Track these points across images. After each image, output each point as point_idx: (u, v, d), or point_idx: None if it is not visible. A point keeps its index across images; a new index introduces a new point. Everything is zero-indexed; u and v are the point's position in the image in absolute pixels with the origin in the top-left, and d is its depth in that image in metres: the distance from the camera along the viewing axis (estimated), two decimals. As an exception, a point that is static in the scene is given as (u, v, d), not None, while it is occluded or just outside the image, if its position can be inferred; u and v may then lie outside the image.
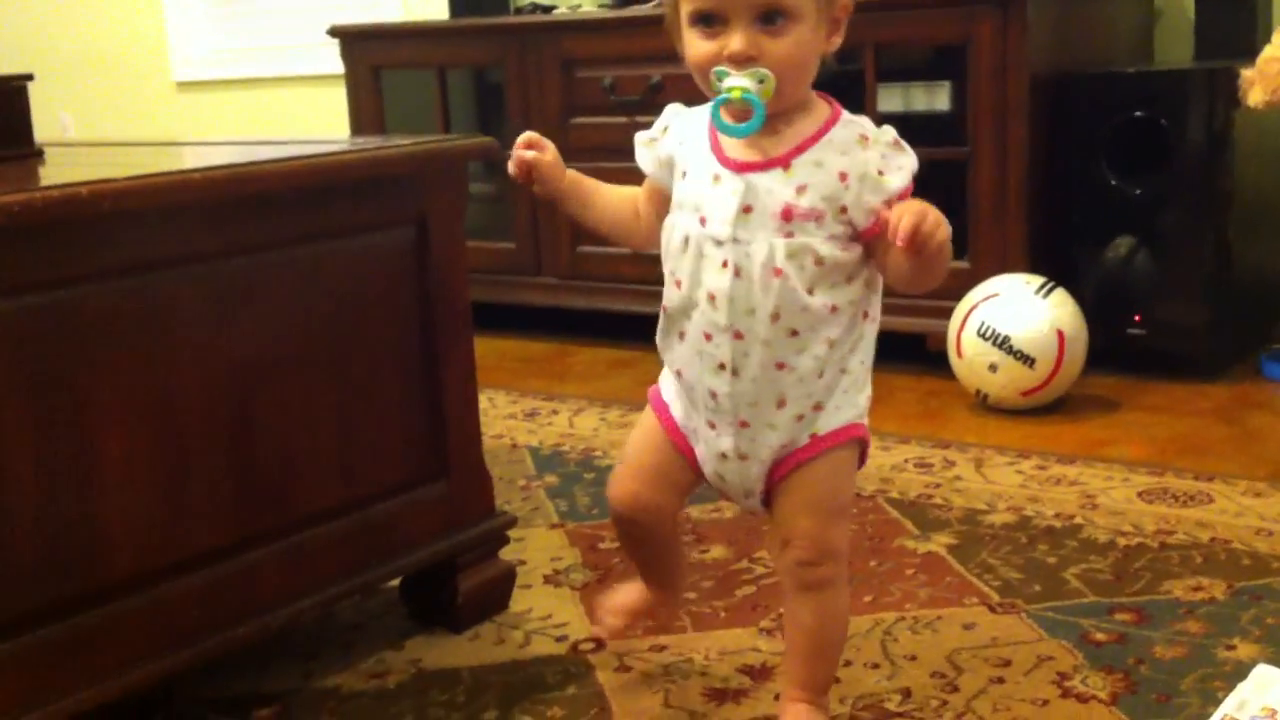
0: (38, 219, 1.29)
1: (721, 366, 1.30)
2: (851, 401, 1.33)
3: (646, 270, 3.15)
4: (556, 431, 2.57)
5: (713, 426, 1.35)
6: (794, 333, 1.28)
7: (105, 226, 1.36)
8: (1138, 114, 2.68)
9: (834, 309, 1.28)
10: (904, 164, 1.28)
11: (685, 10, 1.25)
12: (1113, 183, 2.72)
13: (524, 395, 2.82)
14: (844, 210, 1.26)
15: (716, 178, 1.29)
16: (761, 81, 1.22)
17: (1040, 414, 2.53)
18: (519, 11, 3.58)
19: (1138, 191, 2.70)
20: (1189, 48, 3.02)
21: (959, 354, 2.56)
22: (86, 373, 1.35)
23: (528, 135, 1.41)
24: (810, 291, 1.27)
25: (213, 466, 1.47)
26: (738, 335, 1.28)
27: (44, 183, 1.60)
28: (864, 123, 1.30)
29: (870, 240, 1.28)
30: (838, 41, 1.28)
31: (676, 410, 1.39)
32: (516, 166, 1.40)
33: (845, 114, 1.31)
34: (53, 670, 1.33)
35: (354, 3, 4.16)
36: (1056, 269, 2.68)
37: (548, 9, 3.48)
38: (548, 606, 1.78)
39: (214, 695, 1.58)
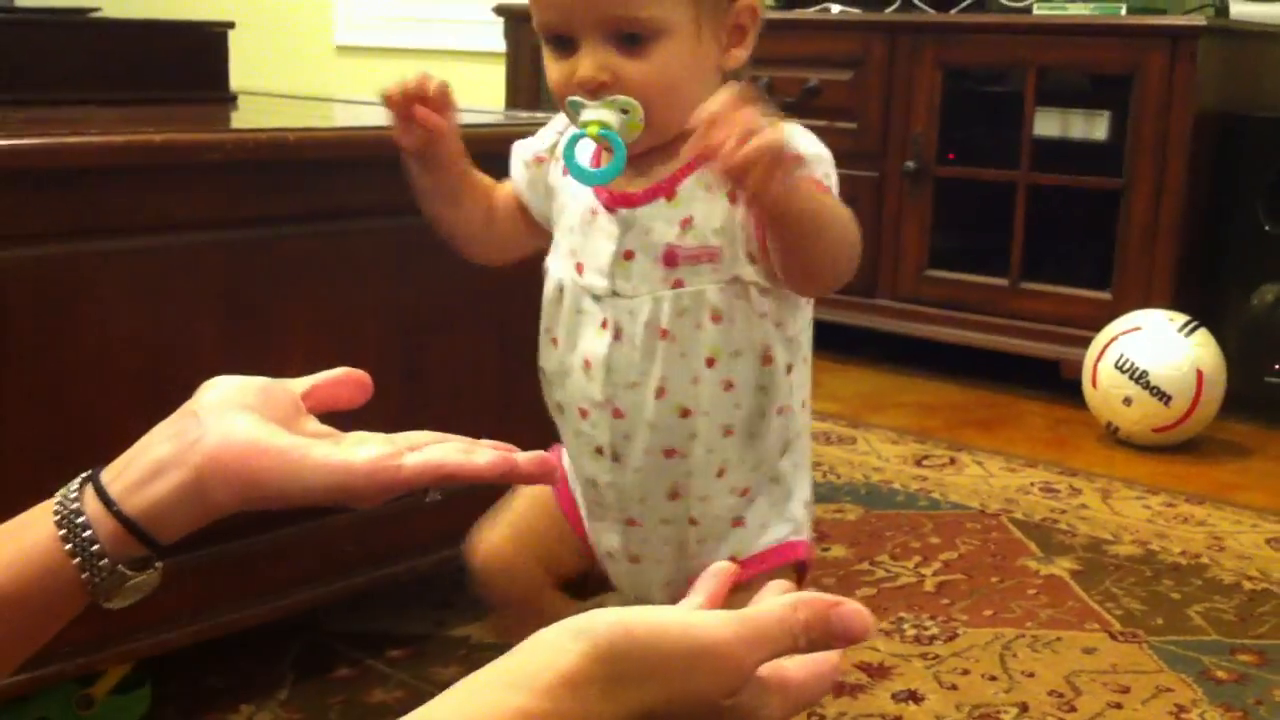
0: (248, 157, 1.36)
1: (599, 451, 1.05)
2: (784, 515, 1.08)
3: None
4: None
5: (597, 519, 1.11)
6: (685, 412, 1.02)
7: (305, 172, 1.43)
8: (1301, 162, 2.65)
9: (729, 386, 1.03)
10: (802, 143, 0.99)
11: (536, 23, 1.01)
12: (1267, 229, 2.69)
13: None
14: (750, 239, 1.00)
15: (593, 213, 1.04)
16: (625, 112, 0.96)
17: (1170, 452, 2.51)
18: (681, 4, 3.63)
19: (1292, 240, 2.67)
20: (1359, 100, 2.97)
21: (1094, 384, 2.56)
22: (276, 306, 1.42)
23: (426, 82, 1.04)
24: (710, 363, 1.01)
25: (382, 409, 1.52)
26: (618, 413, 1.03)
27: (239, 126, 1.69)
28: None
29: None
30: (742, 55, 1.03)
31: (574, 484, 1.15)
32: (412, 129, 1.05)
33: None
34: (220, 585, 1.41)
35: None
36: (1199, 309, 2.66)
37: (710, 4, 3.52)
38: (672, 584, 1.83)
39: (350, 630, 1.65)
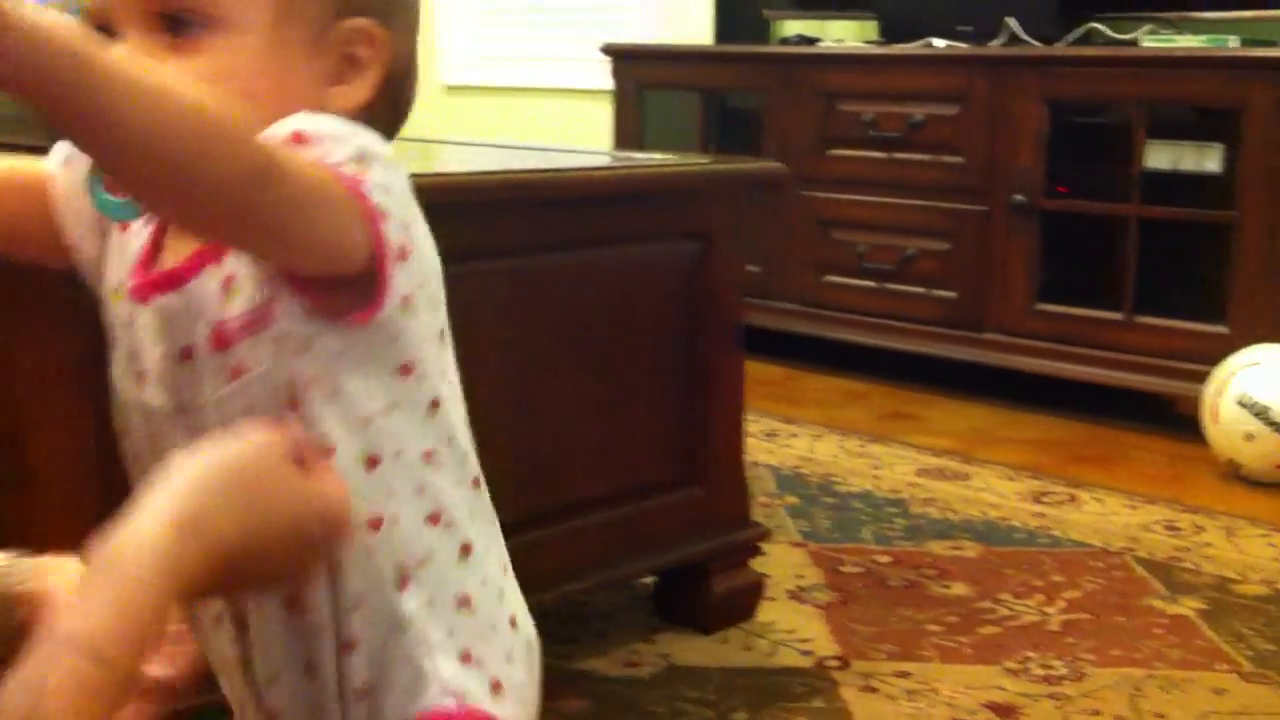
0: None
1: (219, 619, 0.79)
2: (426, 672, 0.76)
3: (894, 304, 3.19)
4: (795, 454, 2.62)
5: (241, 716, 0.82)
6: None
7: (435, 216, 1.46)
8: None
9: None
10: (303, 123, 0.71)
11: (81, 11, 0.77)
12: (1390, 260, 2.63)
13: (761, 416, 2.87)
14: None
15: (132, 302, 0.77)
16: None
17: (1293, 489, 2.46)
18: (784, 42, 3.65)
19: None
20: None
21: (1215, 420, 2.51)
22: (409, 348, 1.45)
23: None
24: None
25: (501, 446, 1.55)
26: None
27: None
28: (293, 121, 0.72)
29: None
30: (354, 96, 0.77)
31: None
32: None
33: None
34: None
35: (616, 21, 4.30)
36: (1320, 343, 2.61)
37: (812, 41, 3.53)
38: (792, 621, 1.83)
39: (476, 664, 1.67)
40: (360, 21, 0.77)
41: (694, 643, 1.75)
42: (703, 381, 1.77)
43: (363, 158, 0.70)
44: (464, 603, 0.78)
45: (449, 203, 1.48)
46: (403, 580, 0.75)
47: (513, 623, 0.82)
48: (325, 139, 0.70)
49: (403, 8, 0.81)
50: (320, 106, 0.75)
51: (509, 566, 0.83)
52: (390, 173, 0.72)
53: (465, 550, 0.78)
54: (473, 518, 0.79)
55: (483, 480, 0.81)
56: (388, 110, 0.80)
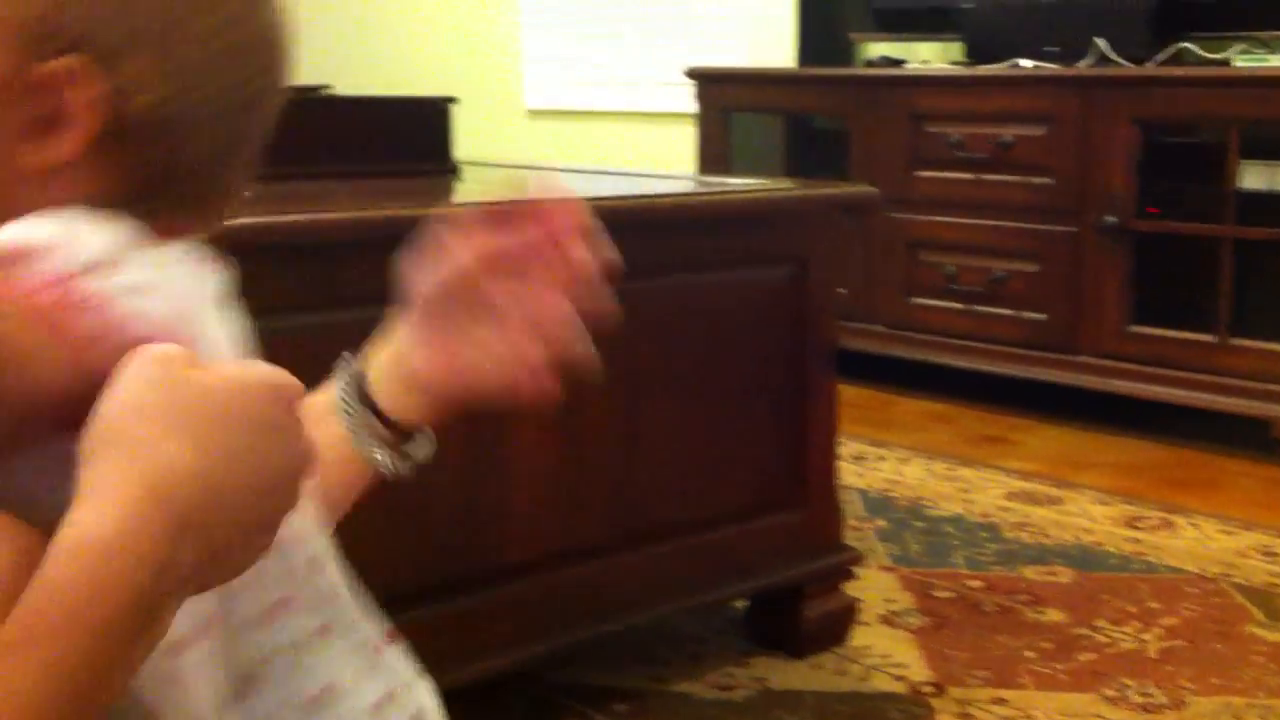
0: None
1: None
2: None
3: (979, 325, 3.17)
4: (883, 477, 2.61)
5: None
6: None
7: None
8: None
9: None
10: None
11: None
12: None
13: (849, 438, 2.86)
14: None
15: None
16: None
17: (1396, 516, 2.41)
18: (869, 64, 3.65)
19: None
20: None
21: (1313, 444, 2.47)
22: (509, 373, 1.48)
23: None
24: None
25: (601, 468, 1.58)
26: None
27: (464, 199, 1.77)
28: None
29: None
30: (56, 151, 0.61)
31: None
32: None
33: None
34: (451, 641, 1.46)
35: (699, 44, 4.32)
36: None
37: (897, 63, 3.53)
38: (885, 646, 1.82)
39: (571, 683, 1.69)
40: (60, 63, 0.60)
41: (787, 667, 1.75)
42: (797, 405, 1.78)
43: (100, 264, 0.58)
44: (321, 696, 0.68)
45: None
46: (246, 685, 0.65)
47: (392, 698, 0.72)
48: (44, 252, 0.57)
49: (146, 40, 0.62)
50: (10, 167, 0.62)
51: (386, 637, 0.74)
52: (150, 270, 0.60)
53: (324, 631, 0.69)
54: (321, 602, 0.69)
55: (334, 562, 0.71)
56: (150, 179, 0.64)
